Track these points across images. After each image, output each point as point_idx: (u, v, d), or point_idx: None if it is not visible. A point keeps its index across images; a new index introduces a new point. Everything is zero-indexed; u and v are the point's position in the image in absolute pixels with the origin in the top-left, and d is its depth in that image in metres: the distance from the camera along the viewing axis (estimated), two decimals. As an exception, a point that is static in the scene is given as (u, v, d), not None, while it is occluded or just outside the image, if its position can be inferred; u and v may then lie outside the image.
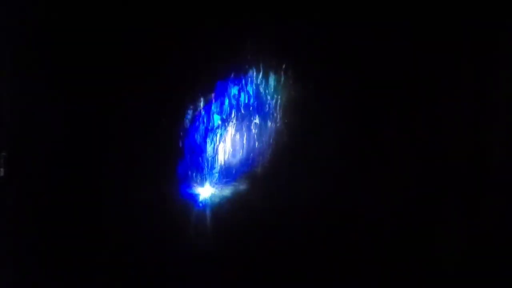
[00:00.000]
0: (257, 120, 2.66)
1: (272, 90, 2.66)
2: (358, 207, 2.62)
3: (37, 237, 2.60)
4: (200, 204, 2.67)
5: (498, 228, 2.55)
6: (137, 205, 2.61)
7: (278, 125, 2.66)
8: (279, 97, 2.66)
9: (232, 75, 2.65)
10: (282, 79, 2.65)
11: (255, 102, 2.66)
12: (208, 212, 2.66)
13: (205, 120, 2.66)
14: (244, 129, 2.67)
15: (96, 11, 2.59)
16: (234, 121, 2.67)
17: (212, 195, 2.67)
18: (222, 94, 2.65)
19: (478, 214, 2.58)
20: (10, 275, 2.58)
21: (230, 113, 2.66)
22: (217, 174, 2.67)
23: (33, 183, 2.62)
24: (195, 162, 2.67)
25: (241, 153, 2.67)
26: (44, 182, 2.62)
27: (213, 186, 2.67)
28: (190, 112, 2.65)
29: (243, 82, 2.66)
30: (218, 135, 2.67)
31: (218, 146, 2.67)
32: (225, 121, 2.66)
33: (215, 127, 2.66)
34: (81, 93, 2.60)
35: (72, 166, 2.62)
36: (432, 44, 2.58)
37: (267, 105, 2.67)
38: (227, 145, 2.67)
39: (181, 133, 2.66)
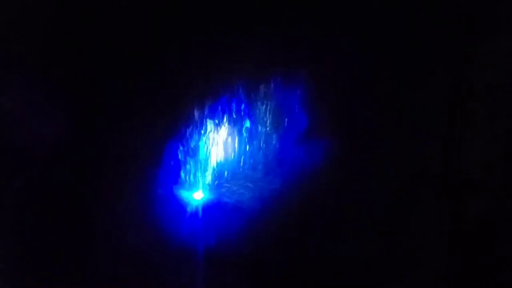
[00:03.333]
0: (248, 124, 2.76)
1: (262, 95, 2.76)
2: (348, 206, 2.70)
3: (32, 237, 2.64)
4: (193, 206, 2.76)
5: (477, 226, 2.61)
6: (132, 206, 2.69)
7: (268, 129, 2.75)
8: (269, 102, 2.76)
9: (225, 82, 2.74)
10: (271, 84, 2.75)
11: (247, 107, 2.75)
12: (200, 213, 2.76)
13: (198, 124, 2.74)
14: (235, 133, 2.77)
15: (95, 14, 2.65)
16: (226, 125, 2.77)
17: (205, 197, 2.77)
18: (215, 99, 2.74)
19: (457, 212, 2.65)
20: (8, 274, 2.61)
21: (223, 118, 2.76)
22: (210, 176, 2.76)
23: (27, 184, 2.65)
24: (189, 165, 2.76)
25: (233, 156, 2.77)
26: (39, 183, 2.66)
27: (206, 188, 2.77)
28: (184, 116, 2.74)
29: (236, 88, 2.75)
30: (211, 138, 2.76)
31: (211, 149, 2.76)
32: (217, 126, 2.76)
33: (208, 132, 2.75)
34: (76, 95, 2.66)
35: (66, 167, 2.67)
36: (415, 45, 2.66)
37: (257, 110, 2.76)
38: (219, 148, 2.77)
39: (176, 137, 2.75)
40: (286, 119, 2.74)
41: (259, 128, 2.76)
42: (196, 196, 2.76)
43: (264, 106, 2.75)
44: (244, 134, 2.76)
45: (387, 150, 2.69)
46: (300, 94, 2.73)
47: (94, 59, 2.65)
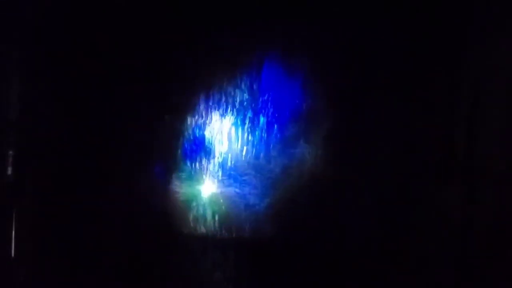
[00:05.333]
0: (250, 114, 2.82)
1: (266, 87, 2.82)
2: (351, 195, 2.71)
3: (44, 233, 2.72)
4: (198, 194, 2.85)
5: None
6: (141, 200, 2.76)
7: (269, 119, 2.81)
8: (271, 92, 2.81)
9: (231, 73, 2.82)
10: (273, 74, 2.81)
11: (249, 98, 2.82)
12: (205, 201, 2.85)
13: (204, 115, 2.83)
14: (239, 122, 2.84)
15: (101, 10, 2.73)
16: (230, 115, 2.84)
17: (209, 185, 2.85)
18: (219, 90, 2.83)
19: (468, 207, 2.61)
20: (15, 271, 2.67)
21: (227, 108, 2.84)
22: (213, 165, 2.85)
23: (40, 182, 2.73)
24: (194, 153, 2.85)
25: (236, 145, 2.84)
26: (51, 180, 2.73)
27: (210, 176, 2.85)
28: (189, 106, 2.83)
29: (238, 79, 2.82)
30: (215, 128, 2.84)
31: (215, 138, 2.84)
32: (221, 116, 2.84)
33: (212, 121, 2.84)
34: (86, 86, 2.75)
35: (76, 160, 2.75)
36: (411, 47, 2.66)
37: (260, 100, 2.82)
38: (223, 137, 2.85)
39: (183, 128, 2.84)
40: (288, 110, 2.79)
41: (261, 118, 2.81)
42: (200, 184, 2.84)
43: (266, 97, 2.81)
44: (247, 124, 2.82)
45: (395, 141, 2.69)
46: (301, 86, 2.77)
47: (101, 54, 2.75)
